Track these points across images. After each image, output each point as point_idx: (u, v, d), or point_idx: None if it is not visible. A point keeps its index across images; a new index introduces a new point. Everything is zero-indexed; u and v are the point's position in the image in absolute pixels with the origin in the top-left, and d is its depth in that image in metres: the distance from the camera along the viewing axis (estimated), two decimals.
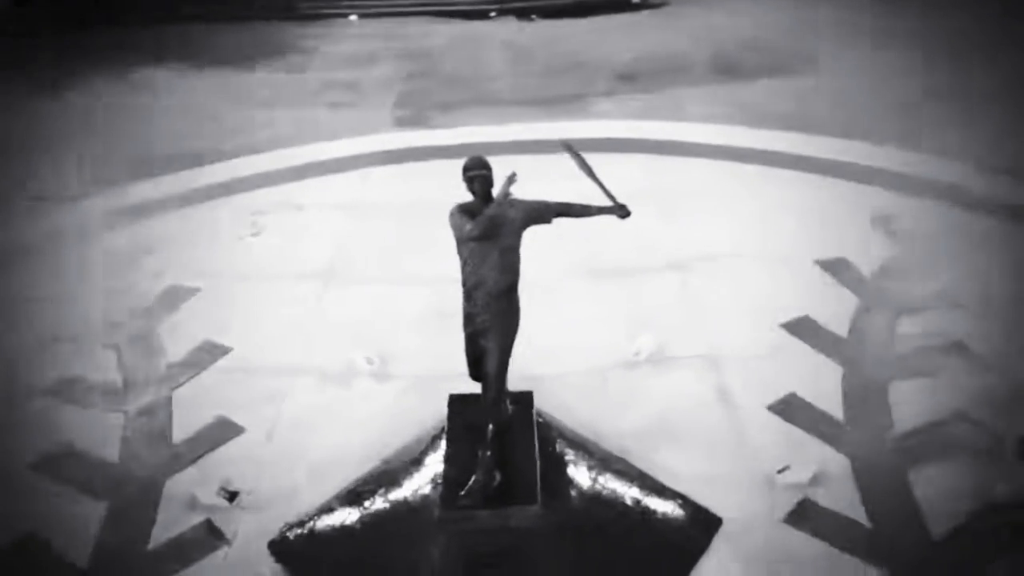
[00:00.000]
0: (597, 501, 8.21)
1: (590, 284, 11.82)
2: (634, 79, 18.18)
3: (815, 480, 8.67)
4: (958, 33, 19.32)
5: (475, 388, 8.77)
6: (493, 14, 22.09)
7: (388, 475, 8.69)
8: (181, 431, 9.70)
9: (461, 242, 7.41)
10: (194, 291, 12.04)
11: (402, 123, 16.57)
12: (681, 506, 8.33)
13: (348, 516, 8.36)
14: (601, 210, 7.56)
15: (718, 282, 11.67)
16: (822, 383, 9.94)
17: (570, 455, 8.59)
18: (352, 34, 21.50)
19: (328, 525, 8.34)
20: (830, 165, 14.24)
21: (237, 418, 9.81)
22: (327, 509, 8.48)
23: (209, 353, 10.86)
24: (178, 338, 11.13)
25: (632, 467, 8.73)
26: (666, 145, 15.08)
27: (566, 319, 11.05)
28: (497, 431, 7.82)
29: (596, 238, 11.88)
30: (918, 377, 9.93)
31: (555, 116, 16.54)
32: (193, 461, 9.29)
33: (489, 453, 7.77)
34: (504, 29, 21.48)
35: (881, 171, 13.93)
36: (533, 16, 21.83)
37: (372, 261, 12.55)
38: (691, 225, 12.97)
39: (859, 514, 8.33)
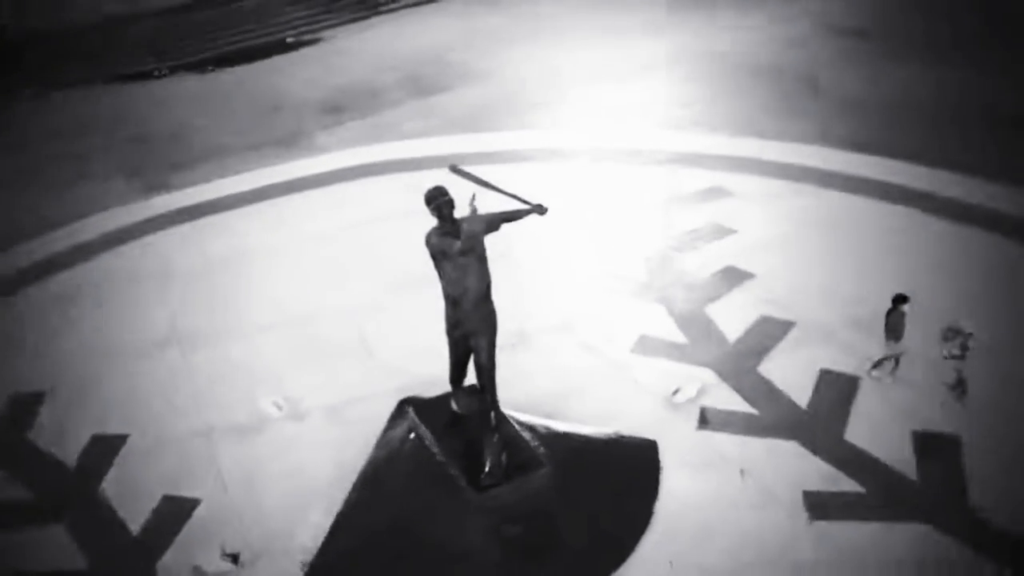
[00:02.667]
0: (568, 457, 9.11)
1: (420, 292, 12.53)
2: (340, 110, 18.74)
3: (702, 392, 10.31)
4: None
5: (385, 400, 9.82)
6: (165, 72, 21.30)
7: (378, 488, 9.04)
8: (136, 522, 9.18)
9: (446, 259, 8.04)
10: (40, 394, 11.07)
11: (149, 188, 15.85)
12: (625, 442, 9.56)
13: (365, 532, 8.64)
14: (527, 212, 8.50)
15: (530, 264, 12.86)
16: (656, 322, 11.61)
17: (520, 428, 9.43)
18: (38, 109, 19.82)
19: (350, 547, 8.54)
20: (548, 153, 15.98)
21: (184, 491, 9.49)
22: (339, 534, 8.67)
23: (107, 445, 10.20)
24: (63, 441, 10.29)
25: (566, 425, 9.77)
26: (401, 163, 15.96)
27: (425, 327, 11.74)
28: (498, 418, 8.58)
29: (400, 252, 12.83)
30: (719, 298, 11.95)
31: (291, 155, 16.76)
32: (170, 543, 8.89)
33: (497, 437, 8.49)
34: (185, 84, 20.88)
35: (602, 149, 16.06)
36: (210, 67, 21.37)
37: (215, 316, 12.27)
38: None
39: (746, 407, 10.10)
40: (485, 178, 8.39)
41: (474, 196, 8.00)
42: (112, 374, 11.34)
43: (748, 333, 11.23)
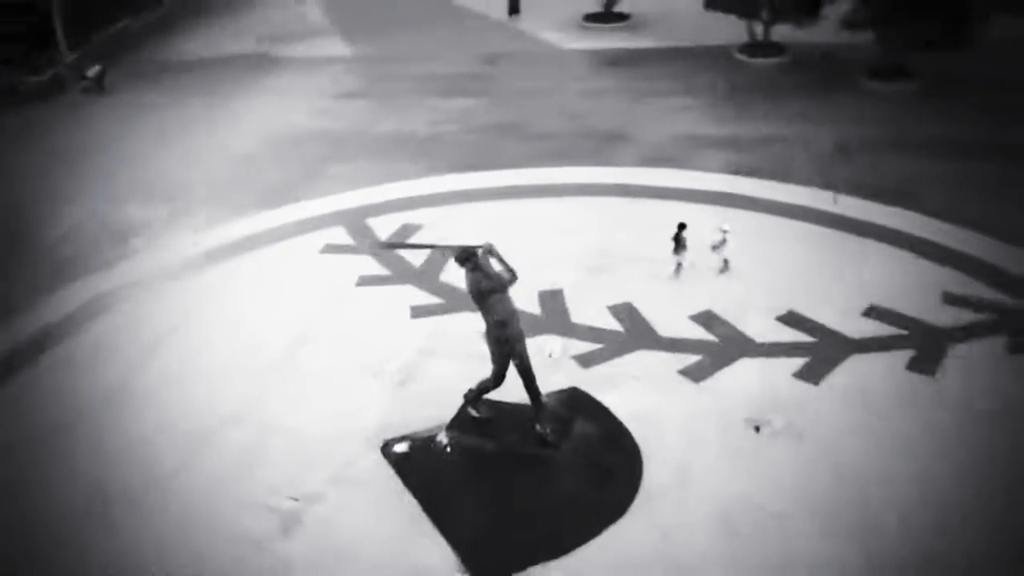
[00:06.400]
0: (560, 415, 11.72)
1: (305, 367, 13.48)
2: None
3: (565, 349, 13.49)
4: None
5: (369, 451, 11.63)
6: None
7: (455, 495, 10.85)
8: None
9: (495, 294, 10.16)
10: None
11: None
12: (566, 394, 12.22)
13: (477, 524, 10.44)
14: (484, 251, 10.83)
15: (352, 317, 14.48)
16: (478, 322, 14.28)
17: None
18: None
19: (480, 537, 10.25)
20: (280, 232, 17.01)
21: None
22: (462, 541, 10.22)
23: None
24: None
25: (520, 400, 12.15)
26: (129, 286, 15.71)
27: (334, 386, 12.93)
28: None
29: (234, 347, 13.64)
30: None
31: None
32: None
33: (546, 412, 10.90)
34: None
35: None
36: None
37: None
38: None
39: (595, 345, 13.55)
40: (410, 242, 10.56)
41: (486, 244, 10.24)
42: (76, 545, 10.55)
43: (545, 303, 14.56)
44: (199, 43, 29.83)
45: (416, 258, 15.86)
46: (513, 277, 10.24)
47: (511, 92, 24.28)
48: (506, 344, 10.56)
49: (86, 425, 12.56)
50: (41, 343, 14.27)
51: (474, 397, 11.28)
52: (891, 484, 10.75)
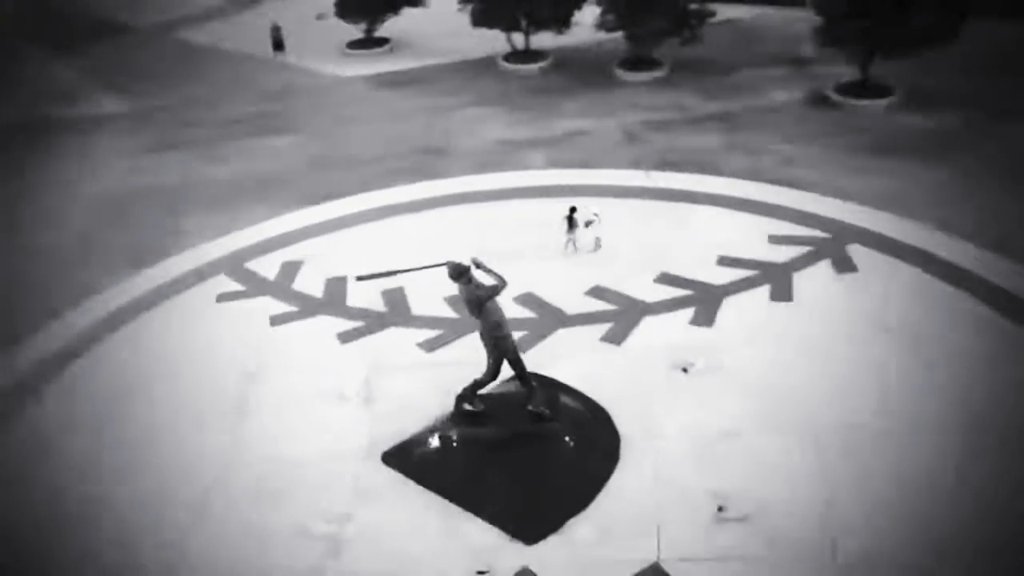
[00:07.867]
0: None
1: (272, 404, 13.61)
2: None
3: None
4: None
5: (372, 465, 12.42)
6: None
7: (477, 478, 11.76)
8: None
9: (491, 300, 11.27)
10: None
11: None
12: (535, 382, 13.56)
13: (504, 496, 11.56)
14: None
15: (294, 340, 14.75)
16: (404, 339, 15.14)
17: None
18: None
19: (520, 509, 11.37)
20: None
21: None
22: (498, 513, 11.32)
23: None
24: None
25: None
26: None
27: (308, 408, 13.26)
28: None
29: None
30: (413, 312, 15.95)
31: None
32: None
33: (538, 394, 12.15)
34: None
35: None
36: None
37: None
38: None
39: (523, 332, 14.94)
40: (386, 270, 11.81)
41: (473, 258, 11.32)
42: None
43: (455, 305, 15.65)
44: None
45: (316, 290, 16.36)
46: (503, 283, 11.34)
47: (316, 124, 24.76)
48: (500, 342, 11.66)
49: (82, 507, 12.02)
50: None
51: (469, 393, 12.24)
52: (798, 387, 13.16)
